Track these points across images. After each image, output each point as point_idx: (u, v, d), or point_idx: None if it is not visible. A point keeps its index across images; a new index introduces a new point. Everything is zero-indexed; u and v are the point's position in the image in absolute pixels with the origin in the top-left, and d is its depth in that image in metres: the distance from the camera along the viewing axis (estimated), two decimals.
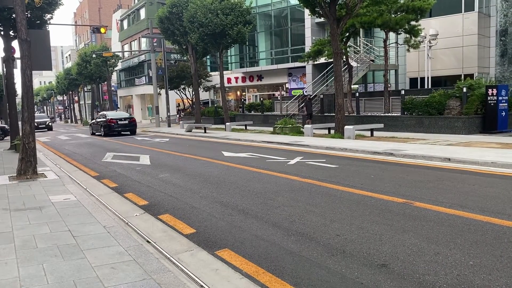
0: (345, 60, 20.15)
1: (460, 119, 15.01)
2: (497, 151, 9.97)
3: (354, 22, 18.32)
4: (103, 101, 53.09)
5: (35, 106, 78.17)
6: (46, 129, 35.85)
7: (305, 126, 17.20)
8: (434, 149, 10.65)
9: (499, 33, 23.32)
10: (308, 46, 25.87)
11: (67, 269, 3.59)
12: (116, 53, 44.34)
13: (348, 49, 21.43)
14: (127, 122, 24.14)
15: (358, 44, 26.20)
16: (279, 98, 27.18)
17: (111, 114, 25.25)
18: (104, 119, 23.93)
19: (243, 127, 22.91)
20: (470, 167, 8.19)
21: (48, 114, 75.20)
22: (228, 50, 31.62)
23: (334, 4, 14.76)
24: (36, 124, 30.56)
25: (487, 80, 18.89)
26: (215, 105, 34.93)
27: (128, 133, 24.12)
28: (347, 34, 19.99)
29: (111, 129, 23.36)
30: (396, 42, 22.60)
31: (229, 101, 34.73)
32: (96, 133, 24.91)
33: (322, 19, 22.09)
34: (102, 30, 23.12)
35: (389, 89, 19.66)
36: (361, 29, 22.10)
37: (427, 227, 4.54)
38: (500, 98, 14.51)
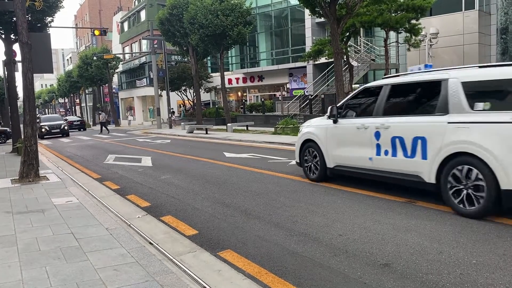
0: (345, 59, 20.13)
1: None
2: None
3: (354, 21, 18.29)
4: (105, 103, 53.16)
5: (37, 109, 78.28)
6: (61, 134, 28.28)
7: None
8: None
9: (499, 31, 23.29)
10: (308, 46, 25.85)
11: (70, 272, 3.59)
12: (117, 55, 44.45)
13: (348, 48, 21.39)
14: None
15: (359, 44, 26.19)
16: (280, 99, 27.17)
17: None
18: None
19: (245, 128, 22.90)
20: None
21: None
22: (229, 51, 31.65)
23: (334, 4, 14.75)
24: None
25: None
26: (216, 106, 34.94)
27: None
28: (348, 33, 19.96)
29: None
30: (397, 41, 22.58)
31: (230, 102, 34.73)
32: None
33: (322, 19, 22.07)
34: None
35: None
36: (361, 29, 22.06)
37: (430, 226, 4.53)
38: None
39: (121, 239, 4.46)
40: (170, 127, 30.15)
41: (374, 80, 27.60)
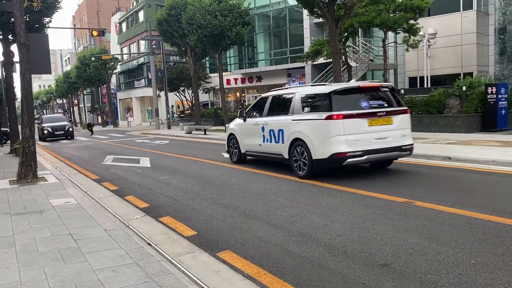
0: (344, 60, 20.15)
1: (459, 117, 15.00)
2: (498, 149, 9.96)
3: (353, 22, 18.31)
4: (103, 104, 53.08)
5: (35, 109, 78.05)
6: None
7: None
8: (434, 148, 10.64)
9: (497, 31, 23.33)
10: (307, 46, 25.87)
11: (68, 273, 3.58)
12: (115, 55, 44.40)
13: (347, 49, 21.42)
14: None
15: (357, 44, 26.22)
16: None
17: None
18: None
19: None
20: (471, 166, 8.18)
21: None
22: (227, 52, 31.64)
23: (332, 4, 14.75)
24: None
25: (486, 79, 18.89)
26: (214, 106, 34.92)
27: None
28: (346, 34, 19.98)
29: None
30: (395, 42, 22.61)
31: (228, 103, 34.71)
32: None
33: (320, 19, 22.06)
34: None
35: None
36: (359, 29, 22.09)
37: (429, 226, 4.53)
38: (499, 96, 14.48)
39: (119, 240, 4.45)
40: (169, 127, 30.13)
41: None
